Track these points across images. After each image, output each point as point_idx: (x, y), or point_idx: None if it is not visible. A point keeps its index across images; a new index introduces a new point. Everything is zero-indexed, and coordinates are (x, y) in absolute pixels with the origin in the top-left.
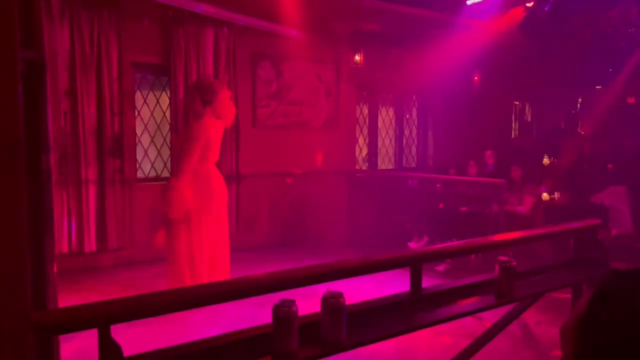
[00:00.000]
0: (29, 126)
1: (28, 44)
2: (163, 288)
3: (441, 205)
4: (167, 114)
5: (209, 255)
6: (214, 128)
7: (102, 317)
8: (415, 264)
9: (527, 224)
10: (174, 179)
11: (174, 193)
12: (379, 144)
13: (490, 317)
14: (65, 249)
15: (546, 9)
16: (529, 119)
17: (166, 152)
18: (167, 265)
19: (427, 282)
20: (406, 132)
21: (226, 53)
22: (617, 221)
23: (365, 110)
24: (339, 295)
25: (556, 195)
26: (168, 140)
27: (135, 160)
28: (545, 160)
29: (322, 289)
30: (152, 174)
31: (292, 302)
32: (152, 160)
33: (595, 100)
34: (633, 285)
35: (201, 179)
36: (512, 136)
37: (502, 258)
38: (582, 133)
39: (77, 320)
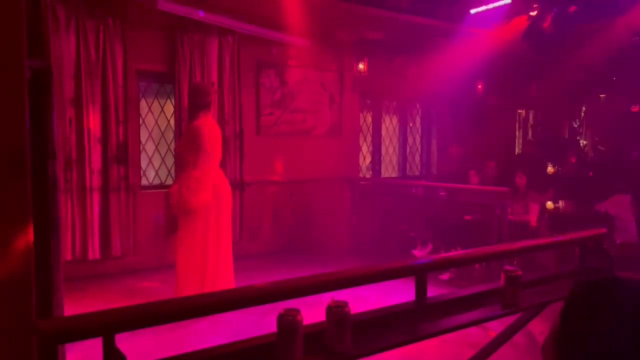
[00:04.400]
0: (35, 133)
1: (35, 53)
2: (167, 296)
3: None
4: (172, 121)
5: (213, 263)
6: (208, 129)
7: (106, 326)
8: (421, 274)
9: (531, 233)
10: (192, 171)
11: (195, 182)
12: (383, 152)
13: (496, 327)
14: (69, 256)
15: (550, 17)
16: (532, 126)
17: (170, 160)
18: (176, 273)
19: (431, 291)
20: (410, 140)
21: (230, 61)
22: (622, 230)
23: (369, 118)
24: (344, 304)
25: (561, 204)
26: (172, 148)
27: (140, 167)
28: (550, 169)
29: (326, 297)
30: (156, 181)
31: (296, 311)
32: (156, 168)
33: (599, 108)
34: (597, 298)
35: (207, 181)
36: (516, 143)
37: (508, 267)
38: (585, 142)
39: (81, 328)
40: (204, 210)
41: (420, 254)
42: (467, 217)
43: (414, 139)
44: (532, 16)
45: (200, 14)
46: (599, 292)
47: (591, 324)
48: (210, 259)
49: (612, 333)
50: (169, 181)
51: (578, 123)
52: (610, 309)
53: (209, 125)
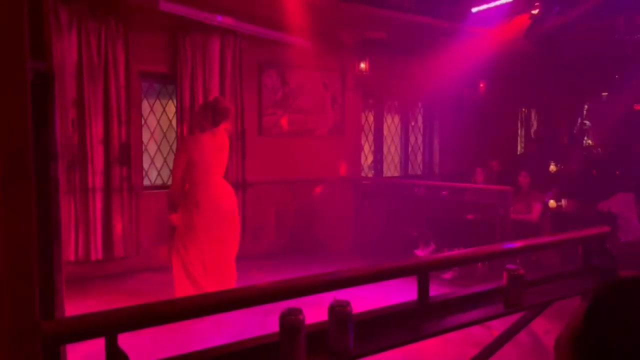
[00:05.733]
0: (38, 135)
1: (37, 55)
2: (170, 296)
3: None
4: (174, 122)
5: (209, 267)
6: (208, 144)
7: (109, 326)
8: (423, 273)
9: (534, 232)
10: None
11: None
12: (385, 151)
13: (499, 326)
14: (71, 257)
15: (552, 15)
16: (535, 125)
17: (172, 160)
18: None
19: (433, 290)
20: (412, 140)
21: (232, 61)
22: (626, 228)
23: (371, 118)
24: (346, 303)
25: (563, 202)
26: (174, 149)
27: (142, 168)
28: (552, 167)
29: (329, 297)
30: (159, 182)
31: (299, 311)
32: (159, 168)
33: (602, 107)
34: (629, 296)
35: (200, 190)
36: (519, 142)
37: (511, 266)
38: (591, 143)
39: (84, 329)
40: (202, 222)
41: (423, 253)
42: (470, 217)
43: (416, 138)
44: (533, 15)
45: (218, 19)
46: (626, 291)
47: (616, 324)
48: (207, 264)
49: (638, 334)
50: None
51: (588, 123)
52: (637, 309)
53: (206, 138)
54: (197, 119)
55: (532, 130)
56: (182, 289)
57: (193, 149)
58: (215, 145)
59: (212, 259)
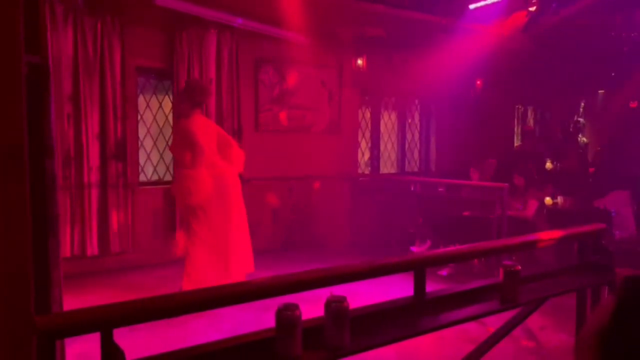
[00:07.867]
0: (33, 130)
1: (32, 49)
2: (167, 292)
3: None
4: (170, 117)
5: (231, 251)
6: (201, 125)
7: (104, 321)
8: (419, 269)
9: (530, 229)
10: (188, 170)
11: (192, 182)
12: (381, 148)
13: (494, 322)
14: (67, 253)
15: (549, 12)
16: (532, 123)
17: (168, 156)
18: (185, 267)
19: (430, 287)
20: (408, 137)
21: (229, 57)
22: (621, 225)
23: (368, 115)
24: (343, 299)
25: (559, 199)
26: (170, 144)
27: (138, 164)
28: (548, 165)
29: (325, 293)
30: (155, 177)
31: (295, 306)
32: (155, 164)
33: (598, 104)
34: None
35: (204, 179)
36: (515, 140)
37: (507, 262)
38: (586, 140)
39: (79, 324)
40: (207, 205)
41: (419, 250)
42: (466, 213)
43: (413, 135)
44: (531, 12)
45: (239, 21)
46: None
47: None
48: (229, 248)
49: None
50: (167, 177)
51: (582, 121)
52: None
53: (201, 122)
54: (182, 113)
55: (529, 123)
56: (205, 277)
57: (197, 127)
58: (208, 124)
59: (223, 242)
